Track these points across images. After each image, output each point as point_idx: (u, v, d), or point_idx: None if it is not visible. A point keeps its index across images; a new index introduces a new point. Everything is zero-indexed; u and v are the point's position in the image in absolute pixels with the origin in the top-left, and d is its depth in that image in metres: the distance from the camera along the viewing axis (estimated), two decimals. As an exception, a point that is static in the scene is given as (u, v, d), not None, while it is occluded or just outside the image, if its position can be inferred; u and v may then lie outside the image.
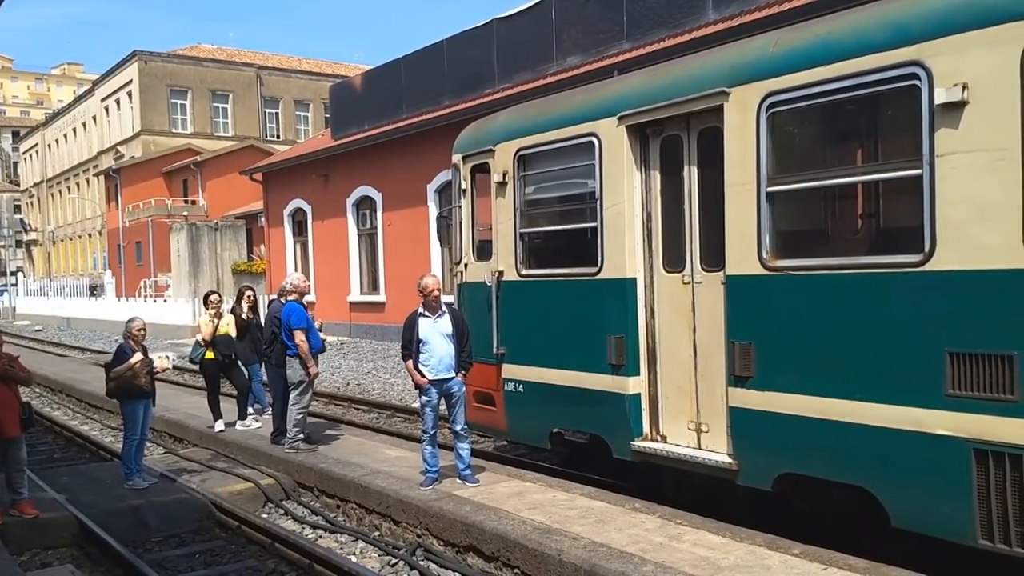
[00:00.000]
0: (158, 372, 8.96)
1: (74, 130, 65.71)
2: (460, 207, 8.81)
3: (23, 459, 7.77)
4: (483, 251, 8.64)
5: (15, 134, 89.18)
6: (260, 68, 55.62)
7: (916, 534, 5.23)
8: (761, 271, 5.92)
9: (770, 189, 5.88)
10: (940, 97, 4.88)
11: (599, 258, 7.23)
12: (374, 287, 25.99)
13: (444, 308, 7.66)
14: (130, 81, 53.29)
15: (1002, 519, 4.72)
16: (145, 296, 40.18)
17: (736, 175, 6.07)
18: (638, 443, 7.02)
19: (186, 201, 47.27)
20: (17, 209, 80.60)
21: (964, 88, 4.79)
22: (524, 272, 8.05)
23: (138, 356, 8.48)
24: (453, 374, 7.57)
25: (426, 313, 7.57)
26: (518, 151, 8.04)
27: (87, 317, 40.68)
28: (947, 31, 4.89)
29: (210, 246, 37.06)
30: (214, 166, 46.17)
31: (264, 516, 8.27)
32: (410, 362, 7.60)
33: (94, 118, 60.73)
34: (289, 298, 9.50)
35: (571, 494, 7.27)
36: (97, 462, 10.93)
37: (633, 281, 7.04)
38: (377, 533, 7.63)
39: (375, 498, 7.77)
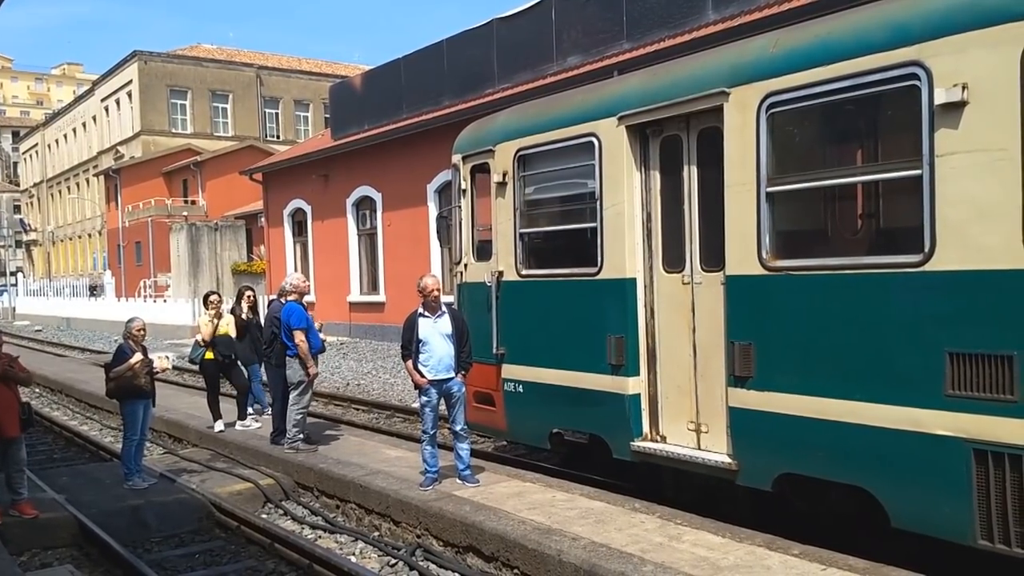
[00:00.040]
0: (158, 372, 8.96)
1: (74, 130, 65.72)
2: (460, 207, 8.81)
3: (23, 459, 7.77)
4: (483, 251, 8.64)
5: (15, 134, 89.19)
6: (260, 68, 55.64)
7: (916, 534, 5.23)
8: (761, 271, 5.92)
9: (770, 189, 5.88)
10: (940, 97, 4.88)
11: (599, 258, 7.22)
12: (374, 287, 25.99)
13: (444, 308, 7.66)
14: (130, 81, 53.30)
15: (1002, 519, 4.72)
16: (145, 296, 40.19)
17: (736, 175, 6.07)
18: (638, 443, 7.02)
19: (186, 201, 47.28)
20: (17, 209, 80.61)
21: (964, 88, 4.79)
22: (524, 272, 8.05)
23: (138, 356, 8.48)
24: (453, 374, 7.57)
25: (426, 313, 7.57)
26: (518, 151, 8.04)
27: (87, 317, 40.67)
28: (947, 31, 4.89)
29: (210, 246, 37.06)
30: (214, 166, 46.18)
31: (264, 516, 8.27)
32: (410, 362, 7.60)
33: (94, 118, 60.74)
34: (289, 298, 9.51)
35: (571, 494, 7.27)
36: (97, 462, 10.93)
37: (633, 281, 7.04)
38: (377, 533, 7.63)
39: (375, 498, 7.76)
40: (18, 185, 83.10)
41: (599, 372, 7.22)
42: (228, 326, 10.77)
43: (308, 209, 28.80)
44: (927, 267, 5.01)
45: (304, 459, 9.07)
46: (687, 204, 6.72)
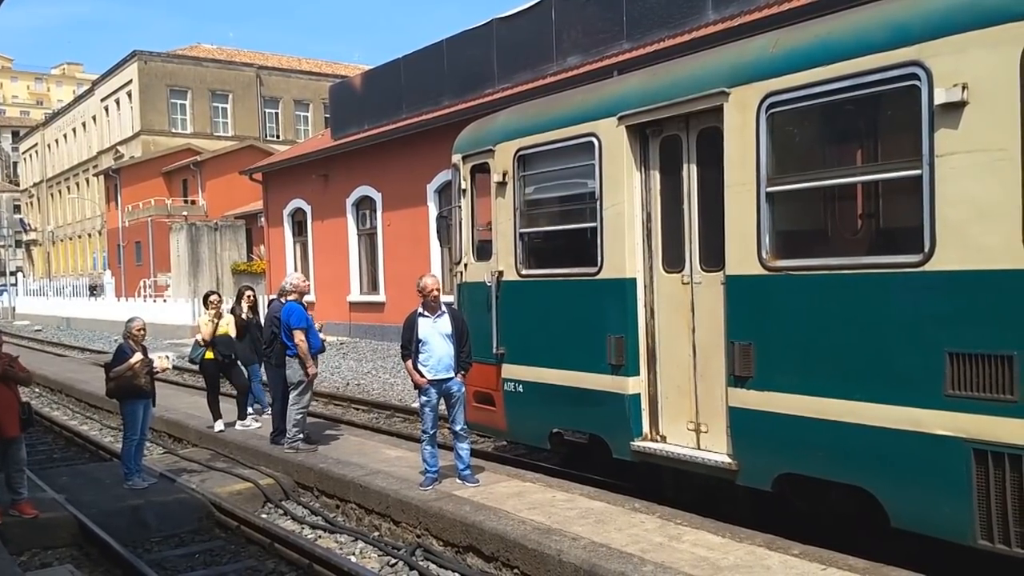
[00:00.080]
0: (158, 372, 8.96)
1: (74, 130, 65.71)
2: (460, 207, 8.81)
3: (23, 459, 7.77)
4: (483, 251, 8.64)
5: (15, 134, 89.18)
6: (260, 68, 55.63)
7: (915, 534, 5.23)
8: (761, 271, 5.92)
9: (770, 189, 5.88)
10: (940, 97, 4.88)
11: (599, 258, 7.22)
12: (374, 287, 26.00)
13: (443, 308, 7.66)
14: (130, 81, 53.29)
15: (1002, 519, 4.72)
16: (145, 296, 40.18)
17: (736, 175, 6.07)
18: (638, 443, 7.02)
19: (186, 201, 47.28)
20: (17, 209, 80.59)
21: (964, 88, 4.79)
22: (524, 272, 8.05)
23: (138, 356, 8.48)
24: (452, 374, 7.57)
25: (425, 313, 7.57)
26: (518, 151, 8.04)
27: (87, 317, 40.66)
28: (947, 31, 4.89)
29: (210, 246, 37.07)
30: (214, 166, 46.18)
31: (264, 516, 8.27)
32: (409, 362, 7.60)
33: (94, 118, 60.73)
34: (289, 298, 9.51)
35: (571, 494, 7.27)
36: (97, 462, 10.93)
37: (633, 281, 7.04)
38: (377, 533, 7.63)
39: (375, 498, 7.76)
40: (18, 185, 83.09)
41: (599, 372, 7.22)
42: (228, 326, 10.78)
43: (308, 209, 28.80)
44: (927, 267, 5.01)
45: (304, 459, 9.07)
46: (687, 204, 6.72)
